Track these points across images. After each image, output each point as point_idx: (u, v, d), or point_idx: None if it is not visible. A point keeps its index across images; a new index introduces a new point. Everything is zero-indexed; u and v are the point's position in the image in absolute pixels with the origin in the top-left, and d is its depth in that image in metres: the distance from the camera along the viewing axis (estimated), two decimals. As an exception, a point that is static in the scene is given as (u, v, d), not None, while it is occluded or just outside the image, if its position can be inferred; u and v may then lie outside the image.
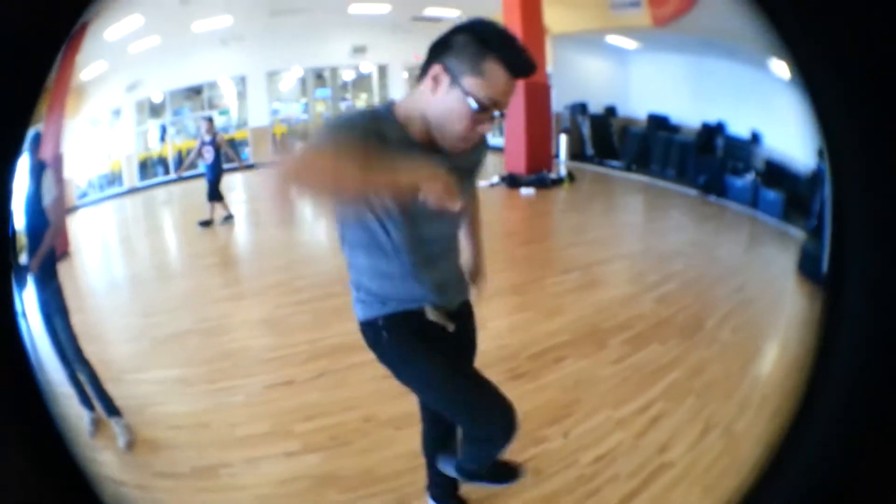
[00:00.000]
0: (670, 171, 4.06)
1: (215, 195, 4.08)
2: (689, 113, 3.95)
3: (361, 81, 5.96)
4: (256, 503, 1.90)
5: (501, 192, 4.65)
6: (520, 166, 4.80)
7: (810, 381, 0.69)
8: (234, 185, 4.34)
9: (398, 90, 5.82)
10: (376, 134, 1.20)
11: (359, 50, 5.44)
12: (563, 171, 4.69)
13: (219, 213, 4.13)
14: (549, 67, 4.88)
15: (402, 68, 5.71)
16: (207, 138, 4.08)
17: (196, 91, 4.76)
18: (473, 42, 1.18)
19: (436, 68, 1.20)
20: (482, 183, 4.64)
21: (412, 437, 1.79)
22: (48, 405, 0.77)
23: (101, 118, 4.30)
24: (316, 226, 3.93)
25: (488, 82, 1.17)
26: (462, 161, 1.32)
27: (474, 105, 1.17)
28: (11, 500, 0.70)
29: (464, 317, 1.55)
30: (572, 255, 3.71)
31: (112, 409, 2.30)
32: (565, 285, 3.26)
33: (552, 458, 1.96)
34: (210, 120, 4.19)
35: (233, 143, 4.64)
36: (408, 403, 1.71)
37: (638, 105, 4.46)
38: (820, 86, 0.64)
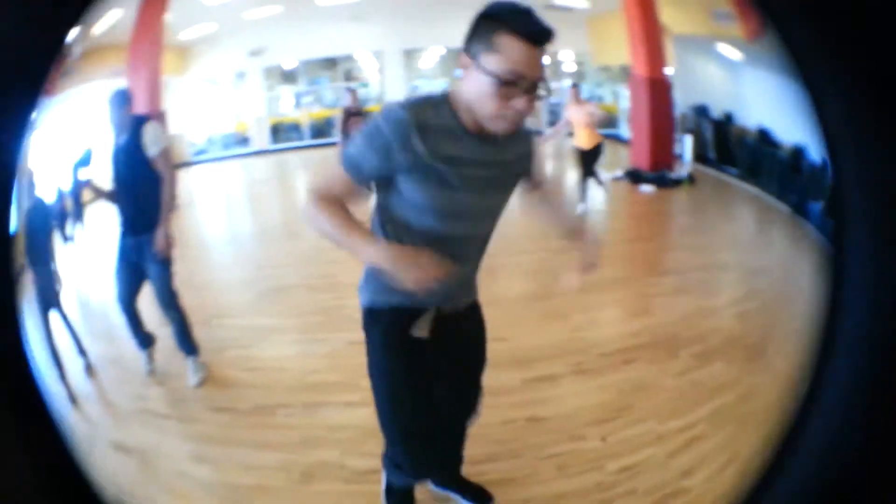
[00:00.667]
0: (774, 185, 3.79)
1: None
2: (786, 131, 3.67)
3: None
4: (301, 443, 2.11)
5: (623, 187, 4.53)
6: (643, 162, 4.63)
7: (811, 382, 0.68)
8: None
9: None
10: (418, 127, 1.21)
11: None
12: (684, 172, 4.44)
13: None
14: (672, 66, 4.63)
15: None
16: (353, 109, 4.31)
17: (333, 62, 5.02)
18: (484, 21, 1.19)
19: (462, 58, 1.23)
20: (605, 175, 4.56)
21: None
22: (48, 406, 0.77)
23: (220, 79, 4.70)
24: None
25: (505, 55, 1.17)
26: (510, 153, 1.33)
27: (494, 81, 1.18)
28: (11, 502, 0.71)
29: (468, 319, 1.54)
30: (674, 259, 3.61)
31: (192, 349, 2.59)
32: (659, 287, 3.17)
33: (581, 458, 1.97)
34: (354, 91, 4.43)
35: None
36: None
37: (750, 115, 4.22)
38: (821, 84, 0.63)
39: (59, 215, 3.42)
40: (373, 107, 5.03)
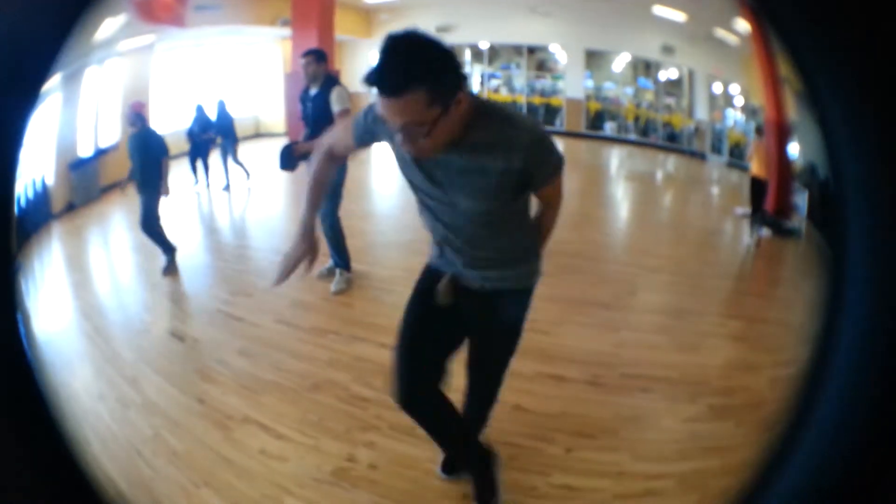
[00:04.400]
0: None
1: None
2: None
3: (676, 81, 5.58)
4: (326, 362, 2.57)
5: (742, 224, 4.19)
6: (768, 204, 4.21)
7: (811, 381, 0.70)
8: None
9: (703, 98, 5.35)
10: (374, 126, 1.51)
11: (668, 50, 5.08)
12: (799, 224, 3.89)
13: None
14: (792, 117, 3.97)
15: (705, 79, 5.17)
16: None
17: (530, 50, 5.03)
18: None
19: None
20: (738, 210, 4.17)
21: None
22: (48, 406, 0.78)
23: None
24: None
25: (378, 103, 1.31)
26: (465, 162, 1.41)
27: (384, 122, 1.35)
28: (11, 501, 0.72)
29: (487, 305, 1.67)
30: (750, 304, 3.36)
31: (346, 265, 3.23)
32: (719, 328, 3.03)
33: (535, 459, 2.05)
34: None
35: (547, 109, 4.95)
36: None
37: None
38: (820, 84, 0.65)
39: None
40: (556, 99, 5.01)
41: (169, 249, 3.41)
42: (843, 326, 0.65)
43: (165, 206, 3.40)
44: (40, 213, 2.74)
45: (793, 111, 4.16)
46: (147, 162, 3.28)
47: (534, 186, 1.51)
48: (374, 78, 1.25)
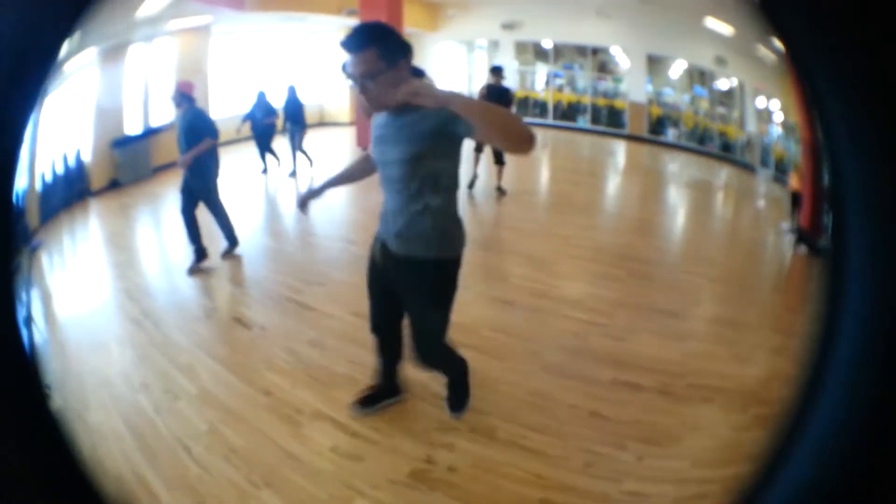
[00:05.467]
0: None
1: None
2: None
3: (728, 94, 5.60)
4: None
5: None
6: (805, 222, 4.33)
7: (811, 381, 0.71)
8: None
9: (752, 111, 5.37)
10: None
11: (721, 61, 5.09)
12: (826, 243, 4.01)
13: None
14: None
15: (753, 92, 5.19)
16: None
17: (593, 51, 5.00)
18: None
19: None
20: (783, 225, 4.32)
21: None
22: (48, 405, 0.78)
23: (475, 44, 4.90)
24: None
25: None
26: (404, 121, 1.93)
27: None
28: (11, 500, 0.71)
29: (401, 269, 2.09)
30: (796, 321, 3.28)
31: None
32: (770, 342, 3.05)
33: (610, 466, 2.10)
34: (498, 71, 4.32)
35: (611, 111, 4.92)
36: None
37: None
38: (819, 81, 0.66)
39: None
40: (619, 102, 5.02)
41: (199, 252, 3.30)
42: (843, 326, 0.66)
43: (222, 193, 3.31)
44: (72, 190, 2.70)
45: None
46: (193, 144, 3.19)
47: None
48: (344, 41, 1.85)
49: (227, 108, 3.79)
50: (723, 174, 5.29)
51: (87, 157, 2.81)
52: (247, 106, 3.94)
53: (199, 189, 3.19)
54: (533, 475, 2.03)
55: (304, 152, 4.26)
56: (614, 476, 2.07)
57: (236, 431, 2.19)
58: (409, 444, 2.16)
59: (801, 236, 4.35)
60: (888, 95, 0.59)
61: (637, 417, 2.37)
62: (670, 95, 5.10)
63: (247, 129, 3.98)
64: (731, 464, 2.16)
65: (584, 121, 4.83)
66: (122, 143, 3.15)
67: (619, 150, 4.77)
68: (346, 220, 4.06)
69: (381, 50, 1.84)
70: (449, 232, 2.06)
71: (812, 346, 0.69)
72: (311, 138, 4.27)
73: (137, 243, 3.37)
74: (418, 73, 3.08)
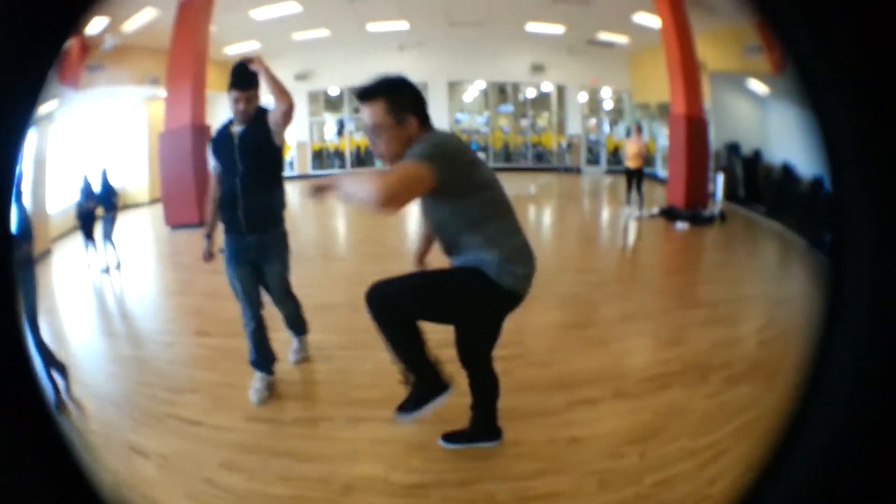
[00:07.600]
0: (794, 220, 3.97)
1: None
2: (806, 166, 3.79)
3: (542, 99, 6.03)
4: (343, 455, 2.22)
5: (659, 224, 4.77)
6: (679, 200, 4.80)
7: (810, 384, 0.69)
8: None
9: (575, 111, 5.82)
10: None
11: (537, 68, 5.52)
12: (716, 210, 4.62)
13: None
14: (707, 103, 4.74)
15: (578, 90, 5.70)
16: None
17: None
18: None
19: None
20: (654, 210, 4.79)
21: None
22: (47, 404, 0.78)
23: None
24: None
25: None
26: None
27: None
28: (10, 500, 0.71)
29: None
30: (705, 292, 3.75)
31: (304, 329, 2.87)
32: (691, 318, 3.32)
33: (621, 473, 2.06)
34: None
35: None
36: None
37: (775, 151, 4.34)
38: (819, 83, 0.64)
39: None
40: None
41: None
42: (843, 329, 0.66)
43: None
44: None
45: (707, 99, 4.72)
46: None
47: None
48: (357, 91, 1.92)
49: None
50: (554, 182, 5.61)
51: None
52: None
53: None
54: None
55: (112, 244, 3.83)
56: (631, 479, 2.04)
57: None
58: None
59: (675, 214, 4.77)
60: (888, 95, 0.60)
61: (611, 426, 2.35)
62: (465, 120, 5.37)
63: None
64: (728, 422, 2.30)
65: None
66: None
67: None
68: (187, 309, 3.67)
69: (389, 104, 1.86)
70: None
71: (812, 346, 0.68)
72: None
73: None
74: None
